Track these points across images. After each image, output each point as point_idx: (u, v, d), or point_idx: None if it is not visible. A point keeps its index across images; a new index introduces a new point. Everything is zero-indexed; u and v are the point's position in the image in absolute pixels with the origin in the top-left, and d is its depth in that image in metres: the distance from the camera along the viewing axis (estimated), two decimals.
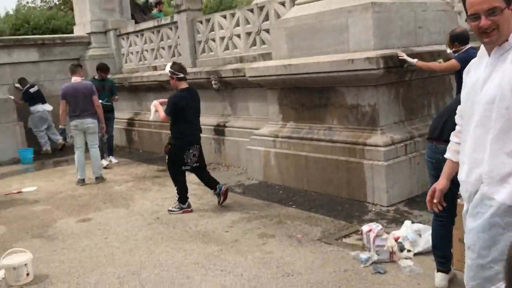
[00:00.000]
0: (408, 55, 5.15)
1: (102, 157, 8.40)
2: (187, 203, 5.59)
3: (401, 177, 5.24)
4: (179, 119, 5.43)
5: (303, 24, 5.88)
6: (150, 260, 4.25)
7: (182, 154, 5.50)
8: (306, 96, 5.99)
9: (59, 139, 10.60)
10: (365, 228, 4.11)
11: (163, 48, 9.84)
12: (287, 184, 6.16)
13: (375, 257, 3.80)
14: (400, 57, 5.12)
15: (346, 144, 5.49)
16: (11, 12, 39.91)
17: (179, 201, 5.59)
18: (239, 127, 7.61)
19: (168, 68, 5.53)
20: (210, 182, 5.76)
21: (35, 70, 10.94)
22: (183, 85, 5.53)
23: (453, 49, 5.21)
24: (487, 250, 2.04)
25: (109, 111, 8.54)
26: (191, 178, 7.07)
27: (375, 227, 3.99)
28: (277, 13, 7.05)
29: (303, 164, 5.90)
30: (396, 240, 3.89)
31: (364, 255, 3.83)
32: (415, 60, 5.12)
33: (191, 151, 5.55)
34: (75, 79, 7.41)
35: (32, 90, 10.26)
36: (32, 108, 10.36)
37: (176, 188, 5.66)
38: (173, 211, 5.56)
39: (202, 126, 8.23)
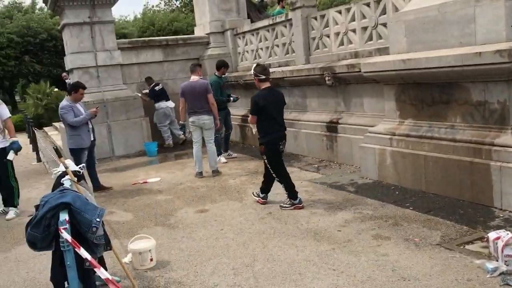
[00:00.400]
0: None
1: (220, 153, 8.79)
2: (298, 199, 5.62)
3: None
4: (262, 117, 5.64)
5: (423, 16, 5.57)
6: (263, 253, 4.34)
7: (276, 150, 5.69)
8: (426, 92, 5.67)
9: (180, 134, 11.30)
10: (492, 235, 3.78)
11: (277, 46, 9.97)
12: (403, 185, 5.90)
13: (504, 268, 3.48)
14: None
15: (470, 143, 5.10)
16: (138, 16, 43.45)
17: (289, 197, 5.64)
18: (352, 124, 7.45)
19: (252, 70, 5.85)
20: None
21: (159, 69, 11.75)
22: (265, 85, 5.74)
23: None
24: None
25: (227, 107, 9.00)
26: (303, 175, 7.12)
27: (505, 235, 3.65)
28: (395, 6, 6.76)
29: (422, 163, 5.60)
30: None
31: (490, 265, 3.53)
32: None
33: (281, 146, 5.71)
34: (193, 77, 7.81)
35: (157, 88, 11.05)
36: (157, 105, 11.15)
37: (282, 185, 5.73)
38: (285, 207, 5.61)
39: (314, 123, 8.32)
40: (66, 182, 3.21)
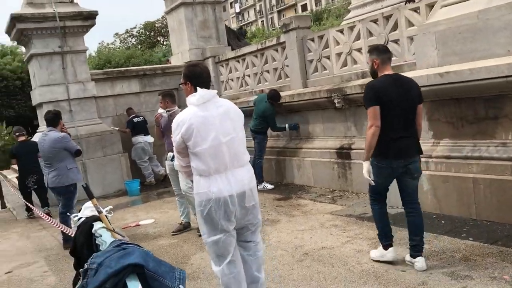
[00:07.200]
0: None
1: (262, 180, 8.22)
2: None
3: None
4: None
5: (459, 25, 5.09)
6: None
7: None
8: (466, 108, 5.14)
9: (160, 170, 10.37)
10: None
11: (268, 72, 9.36)
12: (446, 212, 5.27)
13: None
14: None
15: None
16: (93, 54, 42.36)
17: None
18: None
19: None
20: None
21: (136, 101, 10.86)
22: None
23: None
24: None
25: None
26: (320, 208, 6.32)
27: None
28: (408, 21, 6.32)
29: (470, 187, 5.00)
30: None
31: None
32: None
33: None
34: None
35: (135, 119, 10.15)
36: (134, 139, 10.23)
37: None
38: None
39: (321, 150, 7.64)
40: (103, 232, 2.34)
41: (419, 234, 4.04)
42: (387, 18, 6.66)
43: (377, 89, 3.94)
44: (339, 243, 4.87)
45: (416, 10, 6.26)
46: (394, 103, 3.89)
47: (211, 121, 3.15)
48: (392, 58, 6.55)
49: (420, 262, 3.95)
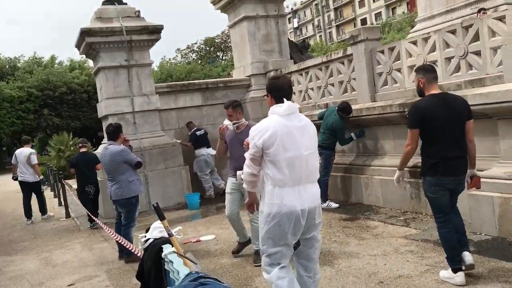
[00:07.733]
0: None
1: (326, 198, 7.84)
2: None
3: None
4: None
5: None
6: None
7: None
8: None
9: (220, 184, 10.24)
10: None
11: (332, 85, 9.04)
12: None
13: None
14: None
15: None
16: (155, 69, 43.80)
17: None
18: None
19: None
20: None
21: (198, 114, 10.83)
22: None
23: None
24: None
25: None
26: (392, 230, 5.83)
27: None
28: (492, 30, 5.82)
29: None
30: None
31: None
32: None
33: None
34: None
35: (198, 133, 10.10)
36: (197, 152, 10.17)
37: None
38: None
39: (391, 168, 7.16)
40: (174, 259, 2.13)
41: (464, 233, 4.25)
42: (467, 28, 6.18)
43: (421, 110, 4.07)
44: (417, 272, 4.43)
45: (501, 19, 5.76)
46: (441, 122, 3.99)
47: (294, 132, 3.23)
48: (472, 71, 6.17)
49: (467, 255, 4.10)
